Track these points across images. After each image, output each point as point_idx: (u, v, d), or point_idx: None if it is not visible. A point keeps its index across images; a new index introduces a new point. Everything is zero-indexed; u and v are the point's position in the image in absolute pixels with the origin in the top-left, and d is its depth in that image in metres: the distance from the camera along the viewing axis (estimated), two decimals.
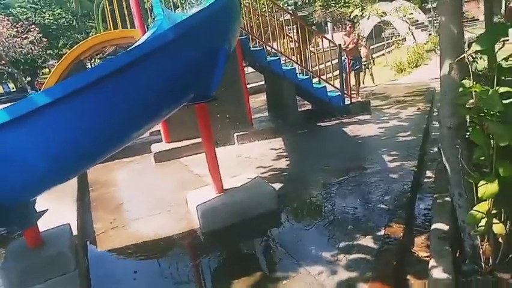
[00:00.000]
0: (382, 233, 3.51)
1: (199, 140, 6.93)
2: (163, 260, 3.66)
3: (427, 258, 2.97)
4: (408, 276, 2.94)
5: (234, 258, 3.62)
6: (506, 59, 2.37)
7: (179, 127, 6.82)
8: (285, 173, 5.38)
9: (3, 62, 22.31)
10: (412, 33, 17.18)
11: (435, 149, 4.85)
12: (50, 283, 2.87)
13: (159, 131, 7.23)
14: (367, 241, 3.41)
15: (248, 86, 8.17)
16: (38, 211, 3.17)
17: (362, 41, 11.83)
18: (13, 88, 32.15)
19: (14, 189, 2.64)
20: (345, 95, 8.01)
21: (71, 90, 2.52)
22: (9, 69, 23.35)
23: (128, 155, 6.92)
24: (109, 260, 3.80)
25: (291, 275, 3.06)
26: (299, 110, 8.12)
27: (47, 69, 33.80)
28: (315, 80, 8.06)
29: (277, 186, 4.72)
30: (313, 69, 8.24)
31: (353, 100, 8.26)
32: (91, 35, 21.92)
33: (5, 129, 2.47)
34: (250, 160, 6.08)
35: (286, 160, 5.92)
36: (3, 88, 33.76)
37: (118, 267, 3.66)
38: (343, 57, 8.30)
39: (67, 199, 4.65)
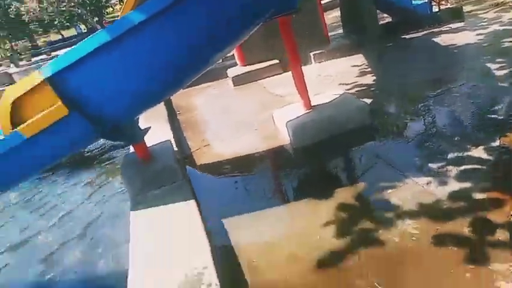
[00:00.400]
0: (496, 143, 3.20)
1: (274, 61, 6.83)
2: (257, 175, 3.76)
3: None
4: None
5: (331, 170, 3.60)
6: None
7: (253, 50, 6.65)
8: (373, 88, 5.07)
9: (73, 3, 23.13)
10: None
11: None
12: (164, 189, 3.10)
13: (233, 55, 7.15)
14: (479, 152, 3.14)
15: None
16: (142, 128, 3.36)
17: None
18: (84, 29, 33.74)
19: (125, 109, 2.81)
20: (432, 2, 7.12)
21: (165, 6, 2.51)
22: (79, 10, 24.25)
23: (205, 81, 7.00)
24: (208, 173, 4.00)
25: (397, 185, 2.96)
26: (379, 23, 7.43)
27: (111, 8, 34.65)
28: None
29: (366, 101, 4.47)
30: None
31: (442, 7, 7.32)
32: None
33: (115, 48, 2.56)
34: (331, 78, 5.81)
35: (372, 75, 5.55)
36: (76, 30, 35.57)
37: (216, 180, 3.85)
38: None
39: (161, 121, 4.88)
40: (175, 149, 3.97)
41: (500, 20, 6.58)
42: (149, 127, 3.46)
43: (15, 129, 2.61)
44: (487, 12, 7.31)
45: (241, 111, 5.44)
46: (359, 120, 3.99)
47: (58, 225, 3.86)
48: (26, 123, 2.61)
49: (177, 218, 2.72)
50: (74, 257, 3.28)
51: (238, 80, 6.60)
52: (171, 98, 6.42)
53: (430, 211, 2.61)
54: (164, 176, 3.21)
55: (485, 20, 6.84)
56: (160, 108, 5.49)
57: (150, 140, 3.65)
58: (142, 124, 3.54)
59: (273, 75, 6.57)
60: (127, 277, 2.23)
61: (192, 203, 2.87)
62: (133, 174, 3.16)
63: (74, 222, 3.83)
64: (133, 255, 2.41)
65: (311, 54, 6.79)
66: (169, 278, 2.11)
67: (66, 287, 3.02)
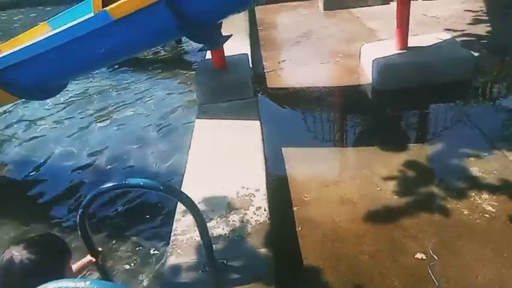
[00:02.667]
0: None
1: None
2: (328, 110, 3.56)
3: None
4: None
5: (410, 123, 3.30)
6: None
7: None
8: (484, 41, 4.35)
9: None
10: None
11: None
12: (232, 103, 3.07)
13: None
14: None
15: None
16: (224, 35, 3.24)
17: None
18: None
19: (213, 7, 2.65)
20: None
21: None
22: None
23: None
24: (277, 96, 3.88)
25: (482, 154, 2.63)
26: None
27: None
28: None
29: (472, 54, 3.86)
30: None
31: None
32: None
33: None
34: (437, 20, 5.07)
35: (487, 26, 4.73)
36: None
37: (284, 106, 3.73)
38: None
39: (241, 34, 4.72)
40: (250, 65, 3.87)
41: None
42: (231, 35, 3.34)
43: (104, 8, 2.55)
44: None
45: (326, 38, 5.05)
46: (460, 73, 3.49)
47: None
48: (115, 4, 2.53)
49: (240, 135, 2.71)
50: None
51: (330, 4, 6.04)
52: (256, 12, 6.15)
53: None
54: (235, 90, 3.17)
55: None
56: (242, 21, 5.29)
57: (227, 51, 3.56)
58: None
59: (370, 5, 5.89)
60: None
61: (257, 123, 2.83)
62: (205, 82, 3.14)
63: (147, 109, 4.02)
64: (191, 162, 2.48)
65: None
66: (221, 192, 2.15)
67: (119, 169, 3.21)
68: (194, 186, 2.25)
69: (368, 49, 3.94)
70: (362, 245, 2.05)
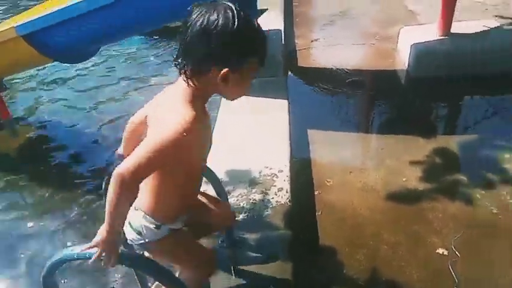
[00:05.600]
0: None
1: None
2: (359, 94, 3.46)
3: None
4: None
5: (443, 112, 3.17)
6: None
7: None
8: None
9: None
10: None
11: None
12: (262, 80, 3.01)
13: None
14: None
15: None
16: (259, 8, 3.17)
17: None
18: None
19: None
20: None
21: None
22: None
23: None
24: (307, 76, 3.80)
25: None
26: None
27: None
28: None
29: None
30: None
31: None
32: None
33: None
34: (485, 6, 4.74)
35: None
36: None
37: (314, 87, 3.64)
38: None
39: (275, 9, 4.59)
40: (283, 42, 3.78)
41: None
42: (266, 9, 3.26)
43: None
44: None
45: (364, 18, 4.85)
46: (507, 64, 3.29)
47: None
48: None
49: (267, 114, 2.68)
50: None
51: None
52: None
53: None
54: (266, 67, 3.10)
55: None
56: None
57: (262, 25, 3.47)
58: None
59: None
60: None
61: (285, 104, 2.79)
62: None
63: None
64: (216, 138, 2.47)
65: None
66: (244, 170, 2.16)
67: None
68: (216, 162, 2.25)
69: (407, 33, 3.77)
70: (382, 235, 2.02)
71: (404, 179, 2.38)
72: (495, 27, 3.55)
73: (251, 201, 1.94)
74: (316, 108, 3.32)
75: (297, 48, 4.24)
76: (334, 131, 2.94)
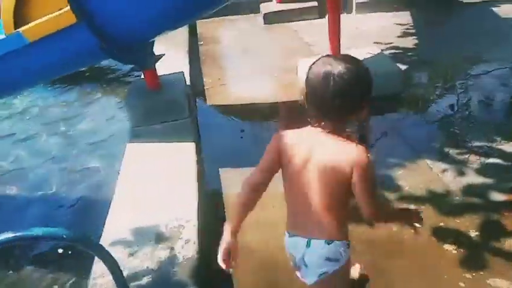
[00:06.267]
0: None
1: (313, 3, 6.26)
2: (266, 124, 3.58)
3: None
4: None
5: None
6: None
7: None
8: (411, 54, 4.61)
9: None
10: None
11: None
12: (166, 125, 2.96)
13: None
14: (508, 147, 2.85)
15: None
16: (156, 54, 3.13)
17: None
18: None
19: (140, 27, 2.53)
20: None
21: None
22: None
23: (235, 12, 6.53)
24: (217, 114, 3.84)
25: (409, 166, 2.74)
26: None
27: None
28: None
29: (400, 67, 4.07)
30: None
31: None
32: None
33: None
34: (368, 33, 5.31)
35: (414, 39, 5.03)
36: None
37: (224, 123, 3.69)
38: None
39: (180, 49, 4.62)
40: (188, 83, 3.78)
41: None
42: (163, 54, 3.23)
43: (17, 30, 2.36)
44: None
45: (265, 53, 5.09)
46: (390, 87, 3.64)
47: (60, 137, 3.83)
48: (29, 25, 2.34)
49: (173, 159, 2.61)
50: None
51: (270, 18, 6.12)
52: (197, 26, 6.08)
53: (439, 203, 2.41)
54: (170, 111, 3.05)
55: None
56: (183, 35, 5.19)
57: (166, 68, 3.45)
58: (158, 50, 3.32)
59: (308, 20, 6.06)
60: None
61: (192, 146, 2.74)
62: (137, 103, 3.00)
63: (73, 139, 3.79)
64: (119, 190, 2.35)
65: (354, 1, 6.17)
66: (149, 225, 2.04)
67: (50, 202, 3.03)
68: (121, 217, 2.12)
69: (304, 64, 4.02)
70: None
71: None
72: (377, 53, 3.96)
73: (156, 260, 1.82)
74: (229, 145, 3.32)
75: (205, 87, 4.29)
76: (246, 167, 2.92)
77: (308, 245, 1.32)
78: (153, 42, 3.12)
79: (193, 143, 2.76)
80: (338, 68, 1.18)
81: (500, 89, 3.68)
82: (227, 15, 6.47)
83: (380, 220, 1.50)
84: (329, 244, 1.30)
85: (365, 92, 1.25)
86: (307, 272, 1.36)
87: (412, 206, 2.37)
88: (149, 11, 2.44)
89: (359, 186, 1.22)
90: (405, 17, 5.79)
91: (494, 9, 5.74)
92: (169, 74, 3.46)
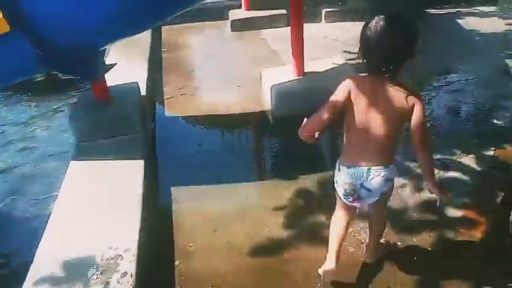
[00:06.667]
0: (490, 154, 2.88)
1: (282, 11, 6.18)
2: (228, 136, 3.44)
3: None
4: None
5: (306, 149, 3.26)
6: None
7: None
8: None
9: None
10: None
11: None
12: (116, 140, 2.76)
13: None
14: (468, 161, 2.83)
15: None
16: (106, 64, 2.93)
17: None
18: None
19: (88, 32, 2.29)
20: None
21: None
22: None
23: (202, 19, 6.37)
24: (175, 126, 3.65)
25: None
26: None
27: None
28: None
29: None
30: None
31: None
32: None
33: None
34: (337, 43, 5.26)
35: None
36: None
37: (183, 135, 3.51)
38: None
39: (139, 57, 4.42)
40: (145, 93, 3.59)
41: None
42: (115, 63, 3.03)
43: None
44: None
45: (231, 61, 4.95)
46: None
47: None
48: None
49: (117, 180, 2.42)
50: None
51: (238, 25, 6.00)
52: (162, 33, 5.88)
53: (393, 218, 2.33)
54: (119, 125, 2.85)
55: None
56: (144, 42, 4.99)
57: (122, 77, 3.26)
58: (114, 59, 3.13)
59: (276, 27, 5.97)
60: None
61: (140, 164, 2.56)
62: (84, 116, 2.78)
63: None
64: (55, 215, 2.14)
65: (323, 10, 6.14)
66: (84, 256, 1.85)
67: None
68: (53, 248, 1.92)
69: (268, 75, 3.90)
70: None
71: (267, 229, 2.32)
72: (341, 63, 3.89)
73: None
74: (185, 161, 3.13)
75: (165, 97, 4.10)
76: (201, 184, 2.78)
77: (369, 172, 1.64)
78: (103, 50, 2.91)
79: (142, 161, 2.57)
80: (392, 24, 1.49)
81: (462, 101, 3.68)
82: (194, 22, 6.31)
83: (428, 145, 1.69)
84: (387, 168, 1.65)
85: (415, 42, 1.54)
86: (370, 194, 1.68)
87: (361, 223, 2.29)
88: (97, 14, 2.21)
89: (419, 118, 1.56)
90: None
91: (459, 20, 5.83)
92: (122, 85, 3.26)
